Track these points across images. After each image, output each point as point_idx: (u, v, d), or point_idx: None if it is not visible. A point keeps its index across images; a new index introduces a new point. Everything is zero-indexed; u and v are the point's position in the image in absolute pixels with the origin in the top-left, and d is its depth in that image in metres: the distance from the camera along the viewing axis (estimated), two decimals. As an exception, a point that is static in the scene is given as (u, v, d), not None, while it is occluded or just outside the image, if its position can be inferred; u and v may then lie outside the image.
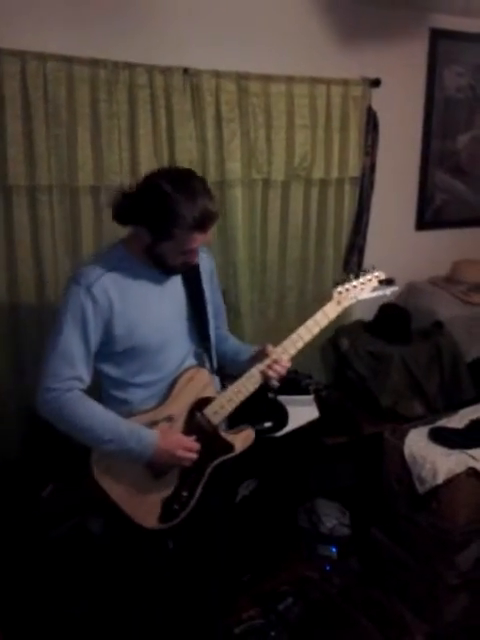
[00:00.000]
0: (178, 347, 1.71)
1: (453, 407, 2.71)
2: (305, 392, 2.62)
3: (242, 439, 1.78)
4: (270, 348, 1.73)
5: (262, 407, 2.38)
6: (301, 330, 1.74)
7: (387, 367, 2.74)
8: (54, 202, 2.26)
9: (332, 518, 2.72)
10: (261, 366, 1.72)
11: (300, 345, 1.75)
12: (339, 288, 1.77)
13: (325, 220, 2.87)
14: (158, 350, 1.66)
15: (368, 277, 1.83)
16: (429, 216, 3.33)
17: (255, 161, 2.61)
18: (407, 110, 3.10)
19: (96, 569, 2.15)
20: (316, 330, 1.75)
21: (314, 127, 2.70)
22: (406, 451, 2.41)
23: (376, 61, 2.86)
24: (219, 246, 2.64)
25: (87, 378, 1.61)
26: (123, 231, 2.37)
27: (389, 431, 2.55)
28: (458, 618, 2.37)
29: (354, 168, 2.85)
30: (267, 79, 2.55)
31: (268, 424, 2.30)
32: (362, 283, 1.81)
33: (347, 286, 1.78)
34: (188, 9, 2.40)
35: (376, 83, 2.82)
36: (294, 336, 1.74)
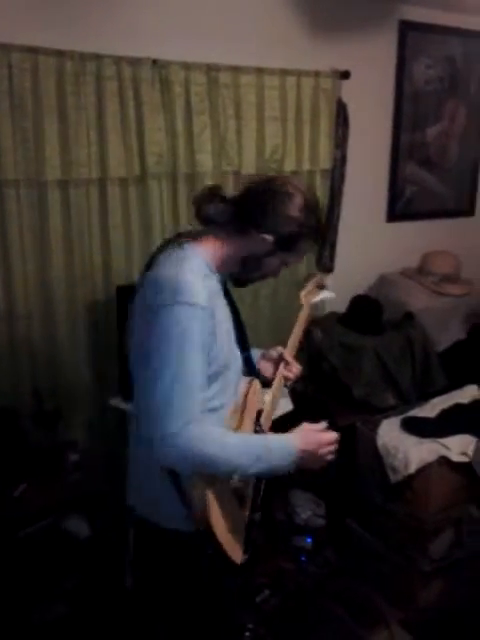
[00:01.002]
0: (237, 363, 1.53)
1: (425, 397, 2.75)
2: (279, 385, 2.62)
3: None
4: (285, 352, 1.71)
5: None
6: (294, 335, 1.77)
7: (359, 358, 2.76)
8: (21, 196, 2.22)
9: (307, 509, 2.74)
10: (283, 371, 1.69)
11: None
12: (302, 293, 1.82)
13: (297, 213, 2.86)
14: (228, 367, 1.45)
15: (314, 281, 1.89)
16: (400, 208, 3.35)
17: (225, 153, 2.59)
18: (377, 102, 3.11)
19: (74, 570, 2.14)
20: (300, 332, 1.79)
21: (284, 119, 2.70)
22: (379, 441, 2.44)
23: (346, 53, 2.87)
24: (191, 240, 2.62)
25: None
26: (93, 226, 2.34)
27: (362, 422, 2.57)
28: (432, 604, 2.41)
29: (325, 160, 2.86)
30: (237, 70, 2.53)
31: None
32: (311, 288, 1.86)
33: (305, 291, 1.83)
34: (156, -1, 2.37)
35: (346, 75, 2.82)
36: (292, 340, 1.76)
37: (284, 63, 2.65)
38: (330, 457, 1.46)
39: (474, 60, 3.37)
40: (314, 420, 2.77)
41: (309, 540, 2.68)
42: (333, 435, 1.47)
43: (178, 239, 1.46)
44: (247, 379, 1.56)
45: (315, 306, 1.93)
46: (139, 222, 2.49)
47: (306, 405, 2.63)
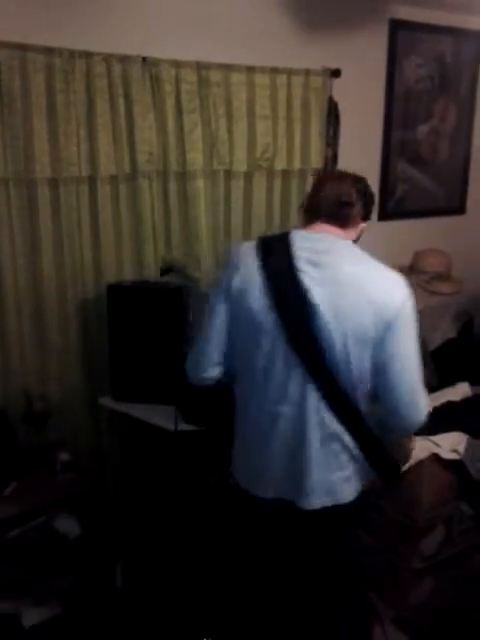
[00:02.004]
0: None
1: (416, 395, 2.75)
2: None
3: None
4: None
5: (228, 399, 2.38)
6: None
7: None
8: (11, 195, 2.21)
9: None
10: None
11: None
12: None
13: (288, 211, 2.86)
14: None
15: None
16: (391, 207, 3.36)
17: (216, 152, 2.58)
18: (368, 101, 3.11)
19: (65, 570, 2.13)
20: None
21: (275, 117, 2.69)
22: (371, 439, 2.44)
23: (337, 51, 2.87)
24: (181, 238, 2.62)
25: None
26: (83, 225, 2.34)
27: (354, 420, 2.57)
28: (424, 601, 2.41)
29: (316, 159, 2.86)
30: (227, 69, 2.53)
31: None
32: None
33: None
34: (146, -3, 2.37)
35: (337, 73, 2.82)
36: None
37: (275, 61, 2.65)
38: None
39: (464, 59, 3.38)
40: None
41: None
42: None
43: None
44: None
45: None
46: (130, 221, 2.48)
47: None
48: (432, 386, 2.84)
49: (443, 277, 3.20)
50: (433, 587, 2.43)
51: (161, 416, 2.22)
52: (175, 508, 2.20)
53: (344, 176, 1.62)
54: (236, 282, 1.52)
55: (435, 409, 2.58)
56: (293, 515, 1.62)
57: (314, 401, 1.51)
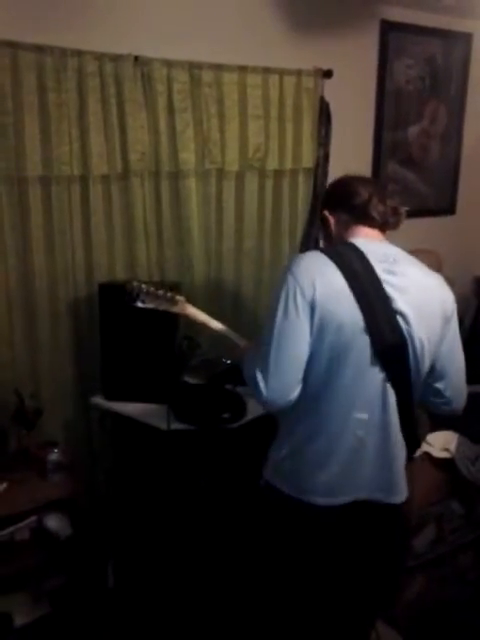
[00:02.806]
0: None
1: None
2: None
3: None
4: None
5: (220, 398, 2.38)
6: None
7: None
8: (2, 193, 2.20)
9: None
10: None
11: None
12: None
13: (280, 211, 2.87)
14: None
15: None
16: (382, 207, 3.37)
17: (208, 151, 2.58)
18: (359, 101, 3.13)
19: (56, 570, 2.12)
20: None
21: (267, 117, 2.70)
22: (362, 438, 2.44)
23: (328, 52, 2.87)
24: (173, 238, 2.62)
25: None
26: (75, 224, 2.32)
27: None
28: (415, 599, 2.42)
29: (308, 159, 2.86)
30: (220, 68, 2.53)
31: (226, 415, 2.30)
32: None
33: None
34: (138, -4, 2.36)
35: (328, 74, 2.83)
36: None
37: (267, 62, 2.66)
38: None
39: (454, 60, 3.40)
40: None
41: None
42: None
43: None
44: None
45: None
46: (121, 220, 2.48)
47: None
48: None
49: (434, 277, 3.21)
50: (424, 585, 2.44)
51: (153, 415, 2.22)
52: (167, 507, 2.20)
53: (371, 180, 1.72)
54: (320, 294, 1.44)
55: (426, 408, 2.59)
56: (377, 514, 1.67)
57: (393, 405, 1.56)
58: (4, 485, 2.10)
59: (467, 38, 3.41)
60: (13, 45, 2.08)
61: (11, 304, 2.30)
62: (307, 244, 3.03)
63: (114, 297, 2.30)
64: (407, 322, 1.49)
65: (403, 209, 1.63)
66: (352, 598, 1.78)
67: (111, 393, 2.38)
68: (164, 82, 2.41)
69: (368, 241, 1.57)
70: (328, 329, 1.44)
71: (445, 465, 2.36)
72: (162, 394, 2.23)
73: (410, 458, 1.70)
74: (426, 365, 1.57)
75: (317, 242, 3.07)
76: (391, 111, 3.24)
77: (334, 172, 3.00)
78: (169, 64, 2.40)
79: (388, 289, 1.49)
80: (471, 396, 2.66)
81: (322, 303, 1.43)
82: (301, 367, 1.48)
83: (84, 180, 2.35)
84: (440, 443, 2.36)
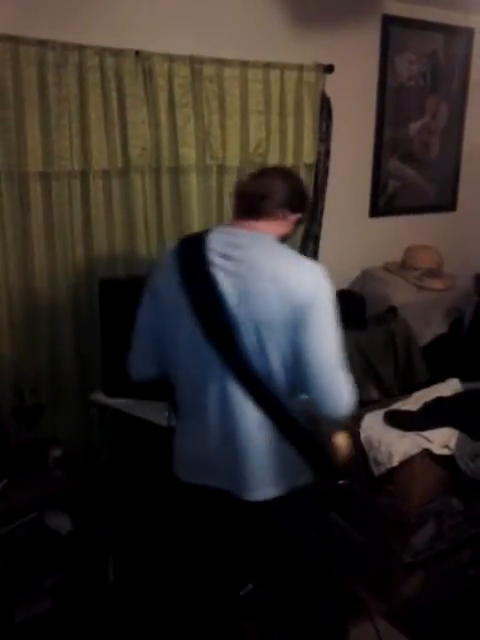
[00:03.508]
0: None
1: (407, 390, 2.77)
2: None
3: None
4: None
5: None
6: None
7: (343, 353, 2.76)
8: (2, 188, 2.19)
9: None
10: None
11: None
12: None
13: (280, 207, 2.86)
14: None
15: None
16: (383, 203, 3.37)
17: (209, 147, 2.58)
18: (360, 97, 3.12)
19: (57, 566, 2.12)
20: None
21: (268, 113, 2.69)
22: (362, 435, 2.45)
23: (330, 47, 2.86)
24: (174, 234, 2.60)
25: None
26: (75, 219, 2.32)
27: (346, 416, 2.58)
28: (414, 596, 2.43)
29: (309, 154, 2.86)
30: (221, 63, 2.52)
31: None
32: None
33: None
34: (139, -10, 2.35)
35: (330, 69, 2.82)
36: None
37: (268, 56, 2.65)
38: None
39: (456, 56, 3.39)
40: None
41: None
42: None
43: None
44: None
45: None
46: (122, 215, 2.47)
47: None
48: (422, 382, 2.87)
49: (434, 273, 3.22)
50: (423, 581, 2.45)
51: (154, 411, 2.22)
52: (167, 503, 2.20)
53: (268, 171, 1.71)
54: (157, 282, 1.62)
55: (426, 405, 2.60)
56: (229, 505, 1.63)
57: (235, 392, 1.53)
58: (4, 481, 2.10)
59: (469, 33, 3.40)
60: (14, 39, 2.07)
61: (11, 300, 2.29)
62: (307, 240, 3.03)
63: (114, 293, 2.30)
64: (227, 304, 1.49)
65: (266, 194, 1.58)
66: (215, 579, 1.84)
67: (111, 389, 2.37)
68: (165, 77, 2.40)
69: (226, 228, 1.62)
70: (164, 313, 1.60)
71: (445, 462, 2.36)
72: (162, 391, 2.22)
73: (324, 478, 1.64)
74: (273, 352, 1.50)
75: (317, 238, 3.07)
76: (392, 107, 3.23)
77: (335, 168, 3.00)
78: (170, 59, 2.39)
79: (217, 272, 1.50)
80: (470, 393, 2.69)
81: (157, 289, 1.61)
82: (146, 346, 1.69)
83: (84, 175, 2.34)
84: (440, 440, 2.36)
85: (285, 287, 1.47)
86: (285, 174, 1.66)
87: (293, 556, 1.69)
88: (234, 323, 1.48)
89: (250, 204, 1.58)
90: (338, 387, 1.52)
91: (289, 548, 1.68)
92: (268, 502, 1.58)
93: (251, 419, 1.54)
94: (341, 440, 1.68)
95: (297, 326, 1.48)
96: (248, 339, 1.49)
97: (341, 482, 1.66)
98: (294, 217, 1.64)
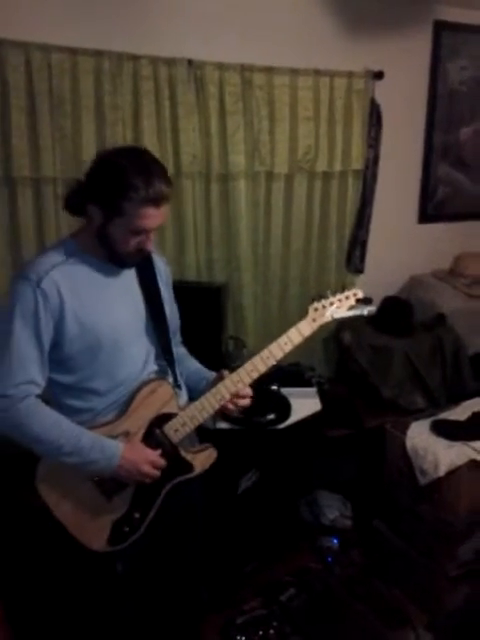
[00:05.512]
0: (135, 349, 1.59)
1: (455, 400, 2.72)
2: (308, 384, 2.63)
3: (203, 459, 1.66)
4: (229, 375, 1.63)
5: (265, 399, 2.39)
6: (273, 346, 1.61)
7: (389, 360, 2.75)
8: (59, 194, 2.26)
9: (334, 510, 2.74)
10: (227, 396, 1.62)
11: (271, 362, 1.62)
12: (315, 305, 1.64)
13: (328, 213, 2.87)
14: (113, 350, 1.53)
15: (346, 295, 1.69)
16: (431, 209, 3.33)
17: (258, 154, 2.61)
18: (410, 103, 3.09)
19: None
20: (289, 347, 1.62)
21: (317, 119, 2.70)
22: (408, 443, 2.42)
23: (379, 53, 2.86)
24: (222, 238, 2.65)
25: (42, 382, 1.48)
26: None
27: (391, 424, 2.56)
28: (458, 608, 2.38)
29: (357, 161, 2.85)
30: (271, 71, 2.55)
31: (271, 416, 2.31)
32: (339, 300, 1.67)
33: (323, 303, 1.64)
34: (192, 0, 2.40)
35: (379, 75, 2.81)
36: (265, 352, 1.61)
37: (318, 64, 2.66)
38: (148, 480, 1.55)
39: (510, 60, 3.32)
40: (342, 421, 2.76)
41: (335, 541, 2.67)
42: (161, 460, 1.56)
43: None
44: (151, 379, 1.59)
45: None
46: (172, 221, 2.52)
47: (334, 405, 2.63)
48: (470, 391, 2.82)
49: (484, 281, 3.16)
50: (468, 594, 2.40)
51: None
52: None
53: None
54: None
55: (474, 415, 2.55)
56: None
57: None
58: None
59: (523, 37, 3.33)
60: (73, 51, 2.15)
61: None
62: (354, 246, 3.03)
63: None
64: None
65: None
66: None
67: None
68: (216, 85, 2.44)
69: None
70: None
71: (493, 473, 2.32)
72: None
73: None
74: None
75: (364, 244, 3.06)
76: (443, 112, 3.19)
77: (383, 174, 2.99)
78: (222, 67, 2.43)
79: None
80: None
81: None
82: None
83: (137, 182, 2.39)
84: (488, 450, 2.32)
85: None
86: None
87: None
88: None
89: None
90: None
91: None
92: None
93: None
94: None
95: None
96: None
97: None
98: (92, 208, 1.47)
